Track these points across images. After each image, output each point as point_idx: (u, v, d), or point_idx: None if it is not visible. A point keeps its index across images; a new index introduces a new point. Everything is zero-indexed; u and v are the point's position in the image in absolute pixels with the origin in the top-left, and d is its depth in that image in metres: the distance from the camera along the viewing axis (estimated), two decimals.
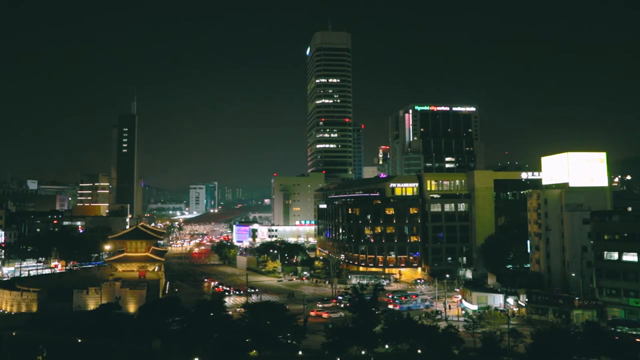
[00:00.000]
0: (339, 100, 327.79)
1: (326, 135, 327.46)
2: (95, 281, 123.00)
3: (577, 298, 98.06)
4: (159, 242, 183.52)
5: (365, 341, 69.55)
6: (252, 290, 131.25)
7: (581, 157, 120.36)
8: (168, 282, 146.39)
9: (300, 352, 71.13)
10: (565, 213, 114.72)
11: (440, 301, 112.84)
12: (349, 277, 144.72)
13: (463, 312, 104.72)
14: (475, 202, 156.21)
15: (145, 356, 68.77)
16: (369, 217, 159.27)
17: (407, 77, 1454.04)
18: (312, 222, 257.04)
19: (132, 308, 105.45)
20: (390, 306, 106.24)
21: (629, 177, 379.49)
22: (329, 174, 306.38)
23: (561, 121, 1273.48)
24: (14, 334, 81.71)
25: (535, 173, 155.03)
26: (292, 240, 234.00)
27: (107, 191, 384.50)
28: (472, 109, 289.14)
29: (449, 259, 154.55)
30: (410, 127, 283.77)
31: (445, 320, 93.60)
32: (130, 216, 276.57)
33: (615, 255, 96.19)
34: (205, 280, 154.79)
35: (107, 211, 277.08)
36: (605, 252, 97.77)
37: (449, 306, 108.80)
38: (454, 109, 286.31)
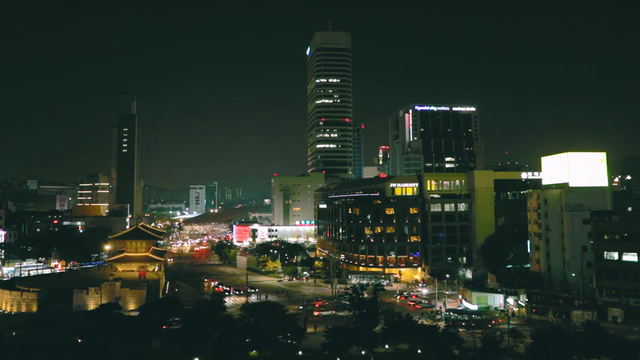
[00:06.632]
0: (339, 100, 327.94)
1: (326, 135, 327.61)
2: (95, 281, 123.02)
3: (576, 298, 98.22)
4: (159, 242, 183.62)
5: (365, 341, 69.54)
6: (252, 290, 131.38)
7: (581, 157, 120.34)
8: (168, 282, 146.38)
9: (300, 352, 71.14)
10: (565, 213, 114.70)
11: (440, 301, 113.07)
12: (349, 277, 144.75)
13: None
14: (475, 202, 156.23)
15: (145, 356, 68.69)
16: (369, 217, 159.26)
17: (407, 77, 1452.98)
18: (312, 222, 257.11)
19: (132, 308, 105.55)
20: None
21: (629, 177, 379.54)
22: (329, 174, 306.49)
23: (561, 121, 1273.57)
24: (14, 334, 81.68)
25: (535, 173, 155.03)
26: (292, 240, 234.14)
27: (107, 191, 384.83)
28: (472, 109, 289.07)
29: (449, 259, 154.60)
30: (410, 127, 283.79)
31: (445, 320, 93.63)
32: (130, 216, 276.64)
33: (615, 255, 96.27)
34: (205, 280, 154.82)
35: (107, 211, 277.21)
36: (605, 252, 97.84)
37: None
38: (454, 109, 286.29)
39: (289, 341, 72.95)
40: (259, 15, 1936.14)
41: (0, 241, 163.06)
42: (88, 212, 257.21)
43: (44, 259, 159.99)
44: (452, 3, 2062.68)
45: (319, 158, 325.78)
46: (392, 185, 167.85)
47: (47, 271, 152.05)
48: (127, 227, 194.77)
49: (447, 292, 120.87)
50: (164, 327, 79.63)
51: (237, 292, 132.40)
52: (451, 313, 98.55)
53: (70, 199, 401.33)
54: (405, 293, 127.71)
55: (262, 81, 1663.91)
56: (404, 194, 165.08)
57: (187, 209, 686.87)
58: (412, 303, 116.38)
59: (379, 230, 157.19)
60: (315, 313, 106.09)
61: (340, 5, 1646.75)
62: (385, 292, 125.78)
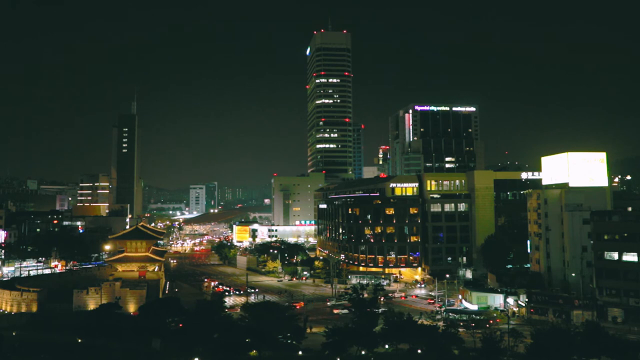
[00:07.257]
0: (339, 100, 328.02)
1: (326, 135, 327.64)
2: (95, 281, 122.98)
3: (576, 298, 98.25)
4: (159, 242, 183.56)
5: (365, 341, 69.51)
6: (252, 290, 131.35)
7: (581, 157, 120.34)
8: (168, 282, 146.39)
9: (300, 352, 71.13)
10: (565, 213, 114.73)
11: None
12: (349, 277, 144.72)
13: None
14: (475, 202, 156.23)
15: (145, 356, 68.76)
16: (369, 217, 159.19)
17: (407, 77, 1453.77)
18: (312, 222, 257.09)
19: (132, 308, 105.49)
20: None
21: (629, 177, 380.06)
22: (329, 174, 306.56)
23: (561, 121, 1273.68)
24: (14, 334, 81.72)
25: (535, 173, 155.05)
26: (292, 240, 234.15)
27: (107, 191, 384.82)
28: (472, 109, 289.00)
29: (449, 259, 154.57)
30: (410, 127, 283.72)
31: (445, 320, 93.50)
32: (130, 216, 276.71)
33: (615, 255, 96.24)
34: (205, 280, 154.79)
35: (107, 211, 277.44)
36: (605, 252, 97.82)
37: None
38: (453, 109, 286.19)
39: (289, 341, 72.95)
40: (259, 15, 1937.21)
41: (0, 241, 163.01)
42: (88, 212, 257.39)
43: (44, 259, 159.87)
44: (452, 3, 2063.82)
45: (319, 158, 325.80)
46: (392, 185, 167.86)
47: (47, 271, 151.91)
48: (127, 227, 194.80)
49: (441, 292, 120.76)
50: (164, 327, 79.61)
51: (237, 292, 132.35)
52: (451, 313, 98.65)
53: (70, 199, 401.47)
54: (392, 295, 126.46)
55: (262, 81, 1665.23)
56: (404, 194, 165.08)
57: (187, 209, 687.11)
58: (432, 301, 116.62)
59: (379, 230, 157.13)
60: (335, 311, 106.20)
61: (340, 5, 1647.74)
62: (385, 292, 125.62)
